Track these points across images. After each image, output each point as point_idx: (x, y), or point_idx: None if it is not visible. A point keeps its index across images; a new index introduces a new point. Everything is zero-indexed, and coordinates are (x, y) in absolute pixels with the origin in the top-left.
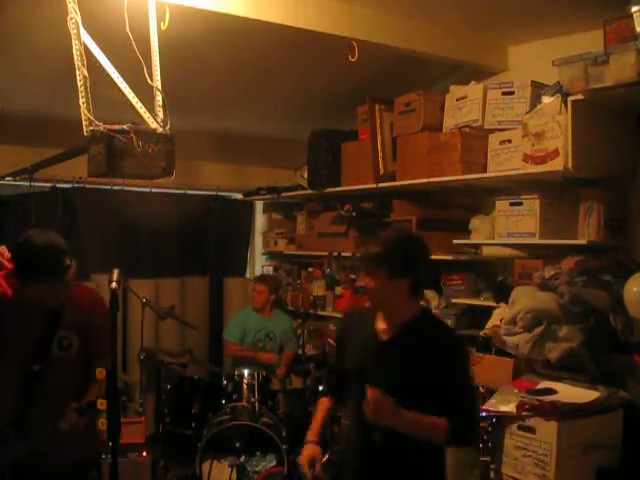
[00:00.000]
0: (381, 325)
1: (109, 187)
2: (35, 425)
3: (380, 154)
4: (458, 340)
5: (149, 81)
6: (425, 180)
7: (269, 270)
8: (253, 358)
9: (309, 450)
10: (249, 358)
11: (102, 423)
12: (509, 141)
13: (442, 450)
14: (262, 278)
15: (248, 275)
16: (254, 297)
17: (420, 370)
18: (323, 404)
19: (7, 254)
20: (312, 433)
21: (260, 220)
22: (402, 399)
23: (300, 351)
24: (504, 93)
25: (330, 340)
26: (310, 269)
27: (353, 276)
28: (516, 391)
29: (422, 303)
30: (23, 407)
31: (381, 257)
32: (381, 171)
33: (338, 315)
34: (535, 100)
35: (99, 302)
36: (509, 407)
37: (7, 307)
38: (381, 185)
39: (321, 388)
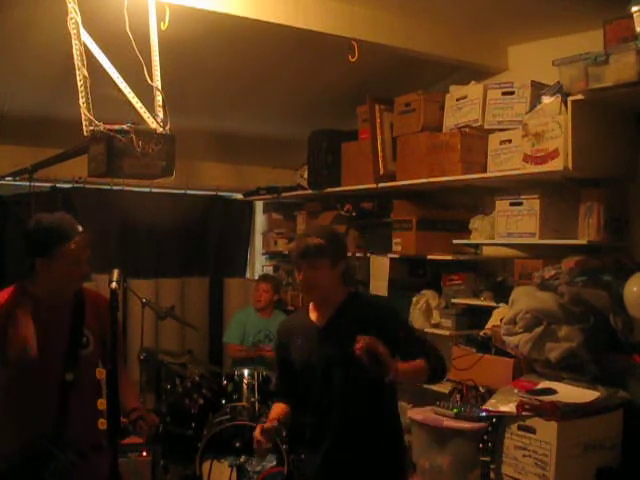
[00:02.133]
0: (314, 315)
1: (109, 187)
2: (74, 438)
3: (380, 154)
4: (388, 303)
5: (149, 81)
6: (425, 180)
7: (269, 270)
8: (256, 355)
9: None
10: (251, 357)
11: (102, 423)
12: (509, 141)
13: (401, 434)
14: (267, 277)
15: (248, 275)
16: (258, 296)
17: (365, 332)
18: (277, 405)
19: None
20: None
21: (260, 220)
22: (362, 368)
23: None
24: (504, 93)
25: None
26: None
27: None
28: (516, 391)
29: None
30: (61, 420)
31: (323, 247)
32: (381, 171)
33: None
34: (535, 100)
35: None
36: (509, 407)
37: (24, 317)
38: (381, 185)
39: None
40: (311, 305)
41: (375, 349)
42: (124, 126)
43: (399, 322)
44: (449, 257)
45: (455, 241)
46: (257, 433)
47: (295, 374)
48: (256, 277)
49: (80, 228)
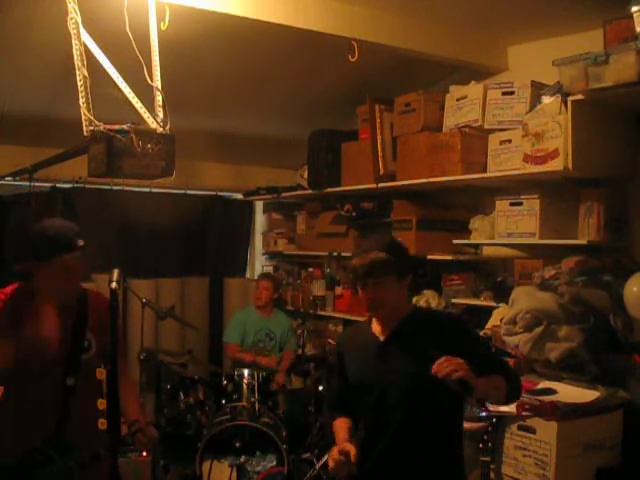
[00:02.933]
0: (377, 328)
1: (109, 187)
2: (74, 443)
3: (380, 154)
4: (458, 316)
5: (149, 81)
6: (425, 180)
7: (269, 270)
8: (253, 362)
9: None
10: (249, 362)
11: (102, 423)
12: (509, 141)
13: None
14: (267, 275)
15: (248, 275)
16: (259, 294)
17: (433, 351)
18: (341, 421)
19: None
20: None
21: (260, 220)
22: (420, 386)
23: (300, 351)
24: (504, 93)
25: (330, 340)
26: (310, 269)
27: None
28: None
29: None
30: (60, 424)
31: (390, 262)
32: (381, 171)
33: (338, 315)
34: (535, 100)
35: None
36: (509, 407)
37: (26, 319)
38: (381, 185)
39: (321, 388)
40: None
41: (456, 373)
42: (124, 126)
43: (474, 336)
44: (449, 257)
45: (455, 241)
46: (337, 456)
47: (349, 388)
48: (256, 277)
49: (81, 243)
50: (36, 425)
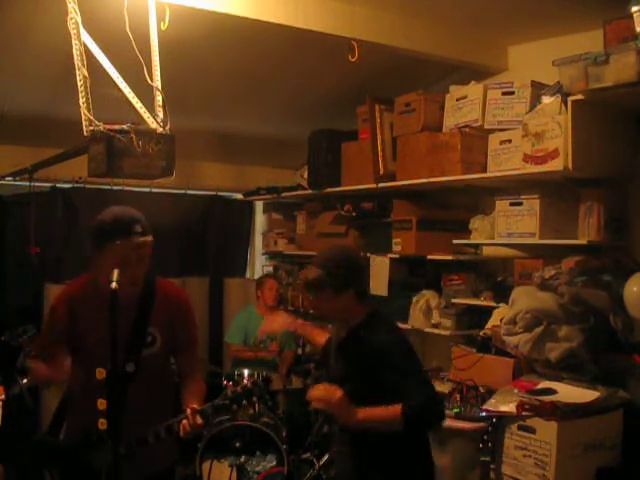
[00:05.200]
0: (342, 330)
1: (109, 187)
2: (126, 428)
3: (380, 154)
4: (387, 339)
5: (149, 81)
6: (425, 180)
7: (269, 270)
8: (254, 357)
9: None
10: (250, 358)
11: (102, 423)
12: (509, 141)
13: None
14: (271, 274)
15: (248, 275)
16: (269, 295)
17: (358, 371)
18: None
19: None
20: None
21: (260, 220)
22: (353, 398)
23: (300, 351)
24: (504, 93)
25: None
26: None
27: None
28: (516, 391)
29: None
30: (116, 410)
31: (322, 280)
32: (381, 171)
33: None
34: (535, 100)
35: (184, 297)
36: (509, 407)
37: (89, 307)
38: (381, 185)
39: None
40: None
41: (316, 402)
42: (124, 126)
43: (391, 364)
44: (449, 257)
45: (455, 241)
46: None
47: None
48: (256, 277)
49: (139, 229)
50: (95, 409)
